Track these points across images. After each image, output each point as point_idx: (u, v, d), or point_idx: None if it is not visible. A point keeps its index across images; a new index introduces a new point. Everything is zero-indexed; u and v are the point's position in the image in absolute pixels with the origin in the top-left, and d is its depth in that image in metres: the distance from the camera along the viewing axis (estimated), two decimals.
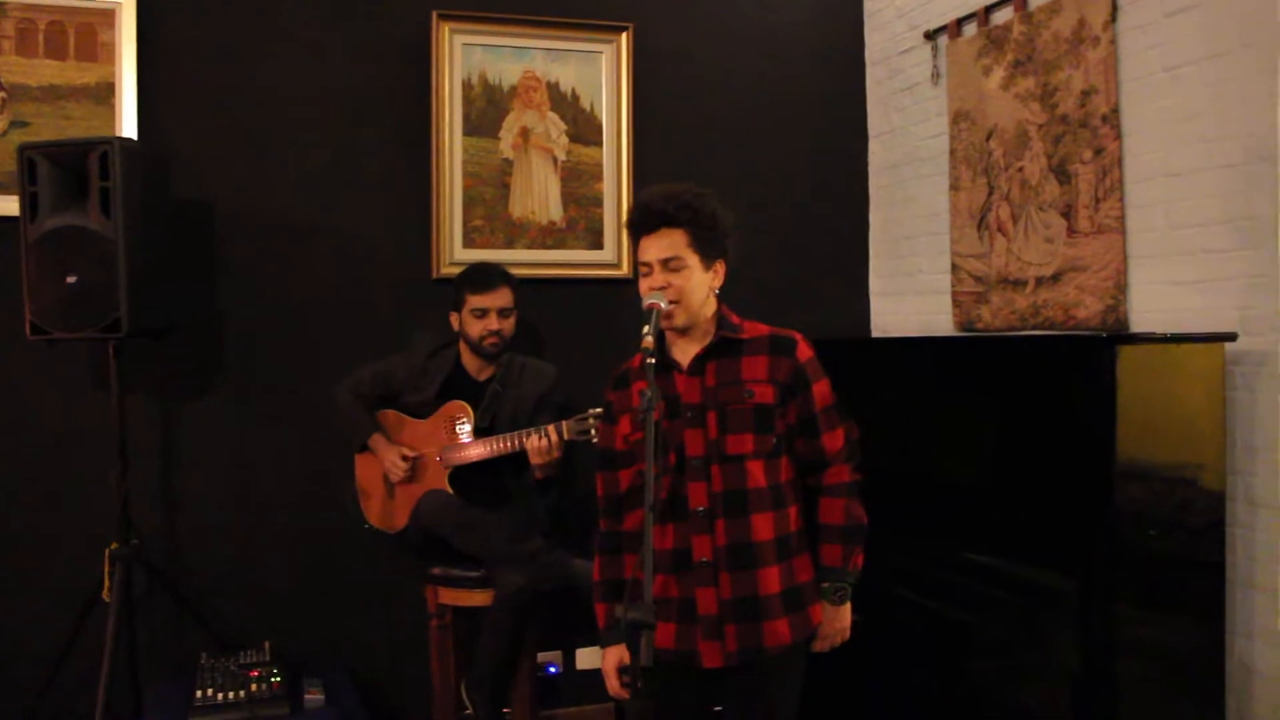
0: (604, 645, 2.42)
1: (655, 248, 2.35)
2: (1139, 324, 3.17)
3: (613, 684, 2.38)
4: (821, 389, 2.41)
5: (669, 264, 2.33)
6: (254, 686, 3.22)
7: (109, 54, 3.62)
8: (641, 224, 2.38)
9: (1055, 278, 3.45)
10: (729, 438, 2.33)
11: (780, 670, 2.37)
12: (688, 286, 2.33)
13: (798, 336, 2.43)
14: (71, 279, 3.24)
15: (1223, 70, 2.89)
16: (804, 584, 2.39)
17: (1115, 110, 3.21)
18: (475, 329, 3.50)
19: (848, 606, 2.45)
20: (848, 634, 2.47)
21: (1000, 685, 2.91)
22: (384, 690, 3.89)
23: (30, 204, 3.25)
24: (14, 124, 3.55)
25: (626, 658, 2.32)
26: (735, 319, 2.44)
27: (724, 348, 2.39)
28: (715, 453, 2.33)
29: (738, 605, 2.31)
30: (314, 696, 3.28)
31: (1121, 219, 3.21)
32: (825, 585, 2.41)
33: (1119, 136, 3.21)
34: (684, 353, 2.41)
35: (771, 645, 2.32)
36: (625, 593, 2.10)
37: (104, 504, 3.45)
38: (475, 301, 3.50)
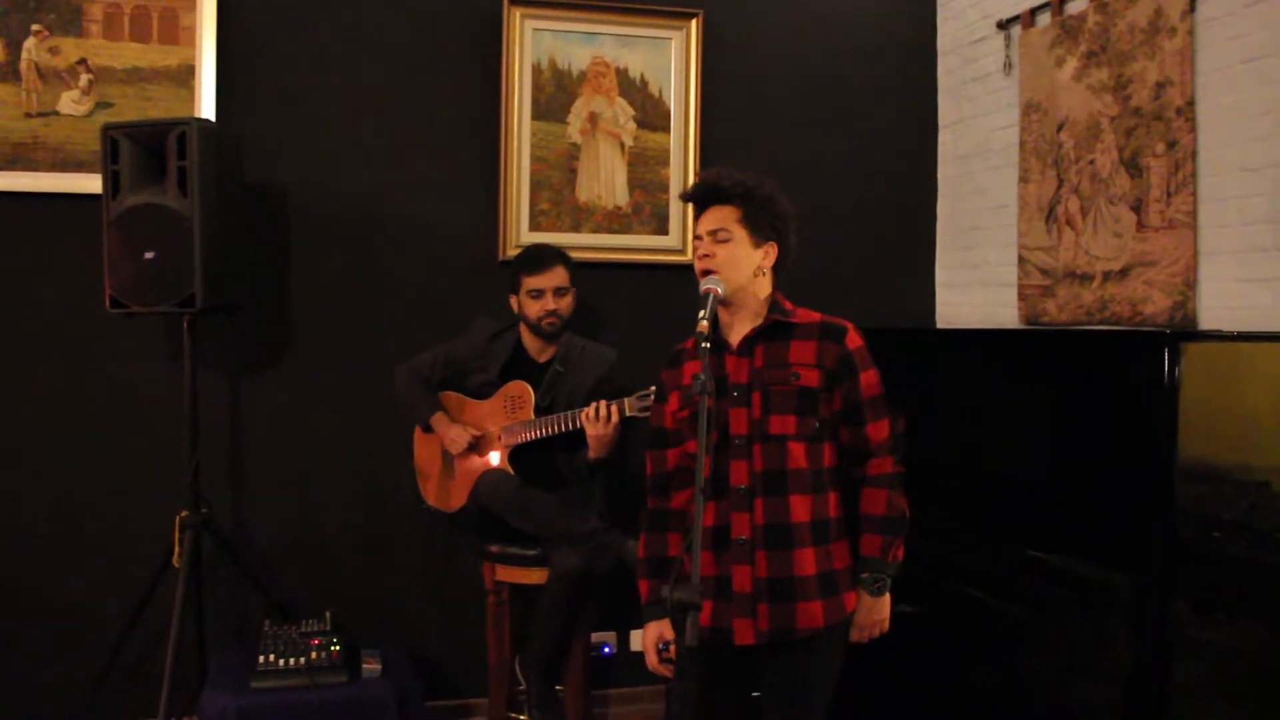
0: (645, 620, 2.45)
1: (707, 220, 2.44)
2: (1208, 321, 3.10)
3: (652, 659, 2.41)
4: (869, 378, 2.41)
5: (716, 235, 2.41)
6: (314, 654, 3.30)
7: (190, 38, 3.72)
8: (696, 197, 2.49)
9: (1123, 272, 3.38)
10: (772, 418, 2.35)
11: (815, 653, 2.37)
12: (730, 257, 2.39)
13: (848, 325, 2.44)
14: (149, 255, 3.35)
15: None
16: (839, 570, 2.39)
17: (1190, 103, 3.14)
18: (533, 310, 3.54)
19: (887, 598, 2.44)
20: (886, 625, 2.46)
21: (1054, 682, 2.87)
22: (439, 664, 3.95)
23: (112, 182, 3.37)
24: (99, 105, 3.67)
25: (667, 634, 2.37)
26: (789, 305, 2.47)
27: (774, 331, 2.42)
28: (758, 432, 2.36)
29: (772, 584, 2.32)
30: (371, 666, 3.36)
31: (1193, 214, 3.13)
32: (865, 575, 2.41)
33: (1193, 130, 3.13)
34: (735, 334, 2.44)
35: (804, 626, 2.33)
36: (671, 572, 2.13)
37: (175, 473, 3.56)
38: (530, 283, 3.54)
